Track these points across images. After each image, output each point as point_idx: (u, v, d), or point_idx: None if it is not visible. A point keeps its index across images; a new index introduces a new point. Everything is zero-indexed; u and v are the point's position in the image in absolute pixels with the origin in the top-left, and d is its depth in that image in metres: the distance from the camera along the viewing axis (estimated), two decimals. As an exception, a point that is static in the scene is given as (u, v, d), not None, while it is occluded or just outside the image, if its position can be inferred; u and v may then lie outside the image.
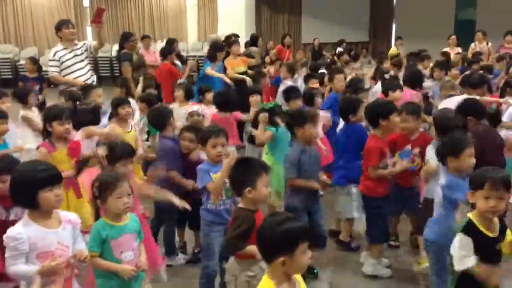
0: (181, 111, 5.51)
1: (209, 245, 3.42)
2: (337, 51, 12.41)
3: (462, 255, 2.50)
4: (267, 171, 2.83)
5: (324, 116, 5.27)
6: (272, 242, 1.98)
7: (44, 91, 7.97)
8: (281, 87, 6.91)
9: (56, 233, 2.49)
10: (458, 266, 2.52)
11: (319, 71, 7.95)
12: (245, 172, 2.79)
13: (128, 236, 2.81)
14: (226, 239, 2.86)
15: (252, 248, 2.58)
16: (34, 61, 8.45)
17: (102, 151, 3.41)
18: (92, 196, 2.85)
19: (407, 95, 5.55)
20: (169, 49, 8.17)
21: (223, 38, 9.07)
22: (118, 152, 3.45)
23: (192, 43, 16.39)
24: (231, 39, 8.45)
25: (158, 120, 4.25)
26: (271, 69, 8.73)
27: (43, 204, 2.43)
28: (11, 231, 2.40)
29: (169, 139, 4.17)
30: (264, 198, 2.81)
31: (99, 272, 2.82)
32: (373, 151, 3.77)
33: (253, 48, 9.10)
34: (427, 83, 6.77)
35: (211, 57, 7.67)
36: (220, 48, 7.76)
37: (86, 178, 4.01)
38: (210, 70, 7.51)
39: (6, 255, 2.43)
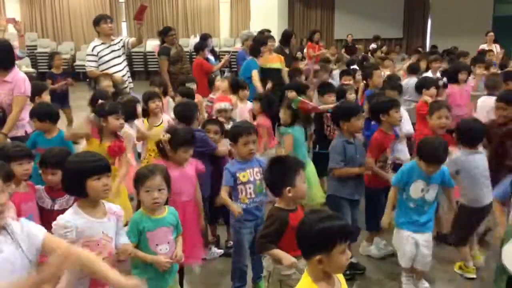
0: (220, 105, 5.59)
1: (239, 241, 3.47)
2: (370, 48, 12.30)
3: None
4: (304, 167, 2.83)
5: None
6: (309, 240, 1.98)
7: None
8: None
9: (102, 223, 2.55)
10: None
11: (351, 67, 7.91)
12: (282, 172, 2.77)
13: (164, 229, 2.86)
14: (257, 238, 2.88)
15: (277, 253, 2.63)
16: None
17: (166, 137, 3.46)
18: (134, 188, 2.92)
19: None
20: (202, 44, 8.24)
21: (255, 34, 9.02)
22: (180, 138, 3.44)
23: (225, 39, 16.48)
24: (265, 34, 8.40)
25: (185, 113, 4.22)
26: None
27: (91, 193, 2.49)
28: (60, 219, 2.46)
29: (200, 131, 4.19)
30: (304, 195, 2.81)
31: (135, 263, 2.89)
32: (374, 144, 3.94)
33: None
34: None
35: (254, 51, 7.38)
36: (264, 42, 7.46)
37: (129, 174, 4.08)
38: (255, 75, 7.07)
39: None
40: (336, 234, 1.93)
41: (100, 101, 4.14)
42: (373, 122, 4.32)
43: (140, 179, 2.81)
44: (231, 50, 13.56)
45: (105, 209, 2.60)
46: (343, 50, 12.68)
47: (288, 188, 2.71)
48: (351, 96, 5.62)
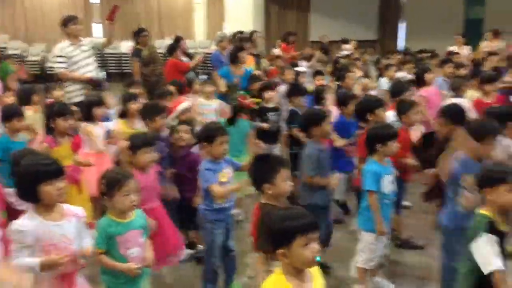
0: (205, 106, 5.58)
1: (212, 242, 3.44)
2: (344, 50, 12.40)
3: (490, 256, 2.46)
4: (286, 166, 2.85)
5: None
6: (270, 235, 2.04)
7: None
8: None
9: (59, 226, 2.49)
10: (487, 268, 2.46)
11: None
12: (263, 168, 2.82)
13: (134, 232, 2.81)
14: (258, 238, 2.86)
15: None
16: None
17: (123, 143, 3.43)
18: (99, 193, 2.84)
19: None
20: (175, 46, 8.17)
21: (229, 36, 9.00)
22: (138, 140, 3.44)
23: (200, 40, 16.39)
24: (241, 36, 8.37)
25: (149, 114, 4.24)
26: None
27: (44, 198, 2.44)
28: (14, 224, 2.42)
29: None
30: (284, 193, 2.81)
31: (104, 269, 2.83)
32: (361, 145, 3.92)
33: None
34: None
35: (233, 58, 7.07)
36: (242, 48, 7.27)
37: (90, 175, 4.04)
38: (218, 77, 6.95)
39: (12, 247, 2.45)
40: (294, 228, 1.97)
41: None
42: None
43: (115, 184, 2.73)
44: (206, 51, 13.49)
45: (63, 211, 2.54)
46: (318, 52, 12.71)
47: (267, 185, 2.74)
48: (328, 97, 5.60)
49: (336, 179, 3.82)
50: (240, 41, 8.02)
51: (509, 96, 5.51)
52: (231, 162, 3.52)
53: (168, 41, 12.49)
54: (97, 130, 4.53)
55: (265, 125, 5.35)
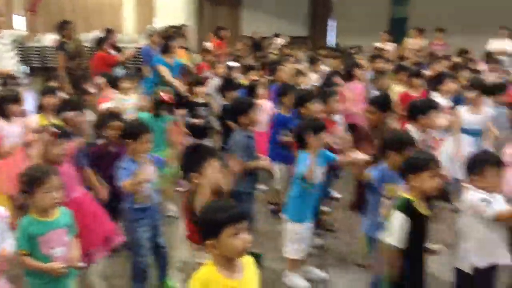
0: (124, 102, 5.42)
1: (137, 241, 3.36)
2: (275, 43, 12.56)
3: (397, 232, 2.59)
4: (217, 157, 2.85)
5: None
6: (201, 227, 2.06)
7: None
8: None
9: None
10: (389, 240, 2.62)
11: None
12: (192, 158, 2.84)
13: (58, 231, 2.70)
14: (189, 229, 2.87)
15: None
16: None
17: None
18: (20, 191, 2.72)
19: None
20: (104, 39, 7.89)
21: (160, 30, 8.82)
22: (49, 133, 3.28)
23: (129, 35, 15.94)
24: (173, 30, 8.23)
25: (63, 109, 4.14)
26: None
27: None
28: None
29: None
30: (214, 184, 2.77)
31: (28, 270, 2.71)
32: None
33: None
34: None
35: (164, 48, 7.07)
36: (173, 38, 7.30)
37: (5, 173, 3.90)
38: (163, 69, 6.80)
39: None
40: (221, 219, 1.99)
41: None
42: None
43: (35, 181, 2.62)
44: (136, 46, 13.16)
45: None
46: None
47: (195, 174, 2.75)
48: (261, 91, 5.60)
49: (267, 161, 3.87)
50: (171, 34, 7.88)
51: (432, 89, 5.75)
52: (155, 160, 3.44)
53: (95, 34, 12.07)
54: (11, 127, 4.27)
55: (196, 121, 5.28)
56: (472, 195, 2.78)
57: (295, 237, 3.56)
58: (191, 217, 2.78)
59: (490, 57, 8.69)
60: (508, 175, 3.15)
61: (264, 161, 3.89)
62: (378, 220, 3.17)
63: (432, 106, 4.04)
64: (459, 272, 2.87)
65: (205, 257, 2.49)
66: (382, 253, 2.71)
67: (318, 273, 3.78)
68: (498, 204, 2.72)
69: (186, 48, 8.33)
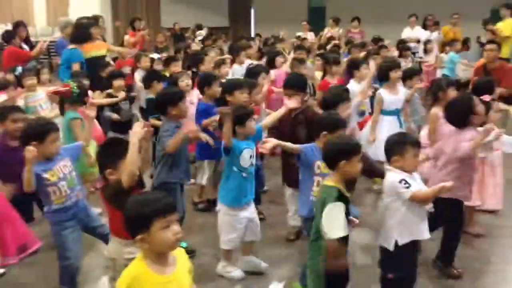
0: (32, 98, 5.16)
1: (63, 245, 3.22)
2: (197, 35, 12.43)
3: (336, 225, 2.62)
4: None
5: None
6: (129, 222, 2.00)
7: None
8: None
9: None
10: (329, 235, 2.62)
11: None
12: (107, 153, 2.79)
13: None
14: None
15: None
16: None
17: None
18: None
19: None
20: (13, 32, 7.42)
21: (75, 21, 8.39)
22: None
23: (41, 27, 15.10)
24: (89, 21, 7.88)
25: None
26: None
27: None
28: None
29: None
30: (130, 177, 2.66)
31: None
32: None
33: None
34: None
35: (76, 38, 6.87)
36: (86, 28, 7.06)
37: None
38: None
39: None
40: (150, 211, 1.95)
41: None
42: None
43: None
44: (49, 39, 12.51)
45: None
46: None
47: (109, 170, 2.71)
48: (183, 83, 5.49)
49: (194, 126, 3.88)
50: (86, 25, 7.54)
51: (350, 76, 5.95)
52: (68, 152, 3.32)
53: (3, 27, 11.33)
54: None
55: (114, 116, 5.09)
56: (392, 176, 2.90)
57: (229, 227, 3.55)
58: (114, 212, 2.69)
59: (401, 44, 9.15)
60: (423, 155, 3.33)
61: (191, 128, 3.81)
62: (311, 199, 3.26)
63: (341, 99, 4.08)
64: (383, 249, 3.01)
65: (133, 252, 2.44)
66: (327, 249, 2.70)
67: (258, 262, 3.76)
68: (415, 185, 2.86)
69: (104, 40, 8.06)
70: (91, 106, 3.56)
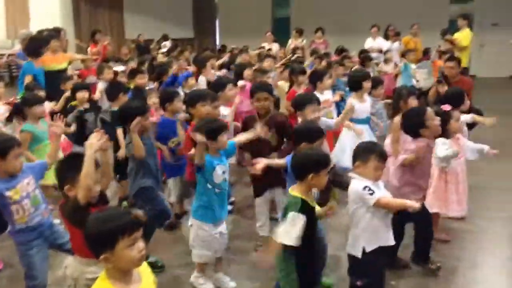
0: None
1: (30, 264, 3.11)
2: (162, 46, 12.38)
3: (291, 232, 2.65)
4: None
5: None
6: (92, 240, 1.93)
7: None
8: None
9: None
10: (281, 240, 2.67)
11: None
12: (65, 168, 2.69)
13: None
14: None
15: None
16: None
17: None
18: None
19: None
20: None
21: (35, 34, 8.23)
22: None
23: (0, 40, 14.73)
24: (49, 34, 7.73)
25: None
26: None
27: None
28: None
29: None
30: (89, 192, 2.59)
31: None
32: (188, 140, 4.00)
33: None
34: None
35: (33, 51, 6.73)
36: (44, 42, 6.94)
37: None
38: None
39: None
40: (115, 229, 1.88)
41: None
42: None
43: None
44: (9, 52, 12.20)
45: None
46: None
47: (68, 186, 2.62)
48: (151, 101, 5.37)
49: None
50: (45, 37, 7.41)
51: (314, 86, 6.01)
52: (32, 170, 3.19)
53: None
54: None
55: (68, 129, 4.94)
56: (356, 184, 2.93)
57: (202, 242, 3.48)
58: (74, 230, 2.61)
59: (363, 54, 9.32)
60: (387, 164, 3.39)
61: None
62: None
63: (308, 101, 4.15)
64: (351, 257, 3.03)
65: (96, 272, 2.38)
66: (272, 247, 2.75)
67: (227, 281, 3.69)
68: (379, 192, 2.90)
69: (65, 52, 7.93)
70: (56, 123, 3.43)
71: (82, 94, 5.50)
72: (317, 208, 2.89)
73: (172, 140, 4.51)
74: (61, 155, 3.80)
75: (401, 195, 3.40)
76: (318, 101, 4.21)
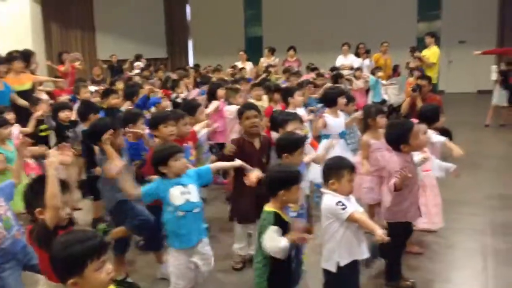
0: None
1: (5, 287, 3.01)
2: (134, 66, 12.35)
3: (277, 241, 2.69)
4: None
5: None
6: (59, 266, 1.86)
7: None
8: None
9: None
10: (274, 250, 2.69)
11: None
12: (34, 191, 2.62)
13: None
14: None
15: None
16: None
17: None
18: None
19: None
20: None
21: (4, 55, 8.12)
22: None
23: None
24: (12, 55, 7.62)
25: None
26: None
27: None
28: None
29: None
30: (57, 218, 2.54)
31: None
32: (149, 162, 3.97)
33: None
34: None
35: None
36: (3, 62, 6.97)
37: None
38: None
39: None
40: (84, 253, 1.82)
41: None
42: None
43: None
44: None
45: None
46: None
47: (39, 209, 2.55)
48: (120, 115, 5.41)
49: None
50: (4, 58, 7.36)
51: (286, 103, 6.08)
52: (2, 191, 3.11)
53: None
54: None
55: (34, 148, 4.82)
56: (328, 199, 2.97)
57: (178, 271, 3.27)
58: (43, 254, 2.54)
59: (335, 71, 9.49)
60: (357, 179, 3.44)
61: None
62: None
63: (290, 118, 4.25)
64: (326, 272, 3.04)
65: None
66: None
67: None
68: (351, 206, 2.94)
69: (32, 73, 7.84)
70: (22, 143, 3.35)
71: (65, 114, 5.71)
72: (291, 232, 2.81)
73: (135, 162, 4.38)
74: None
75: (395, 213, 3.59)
76: (300, 120, 4.32)
